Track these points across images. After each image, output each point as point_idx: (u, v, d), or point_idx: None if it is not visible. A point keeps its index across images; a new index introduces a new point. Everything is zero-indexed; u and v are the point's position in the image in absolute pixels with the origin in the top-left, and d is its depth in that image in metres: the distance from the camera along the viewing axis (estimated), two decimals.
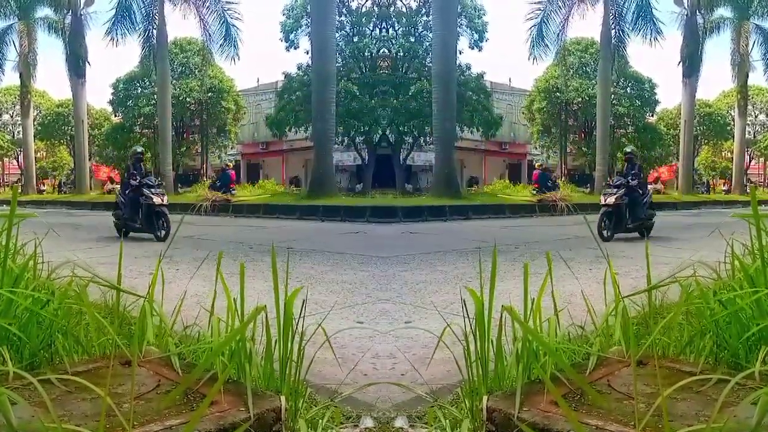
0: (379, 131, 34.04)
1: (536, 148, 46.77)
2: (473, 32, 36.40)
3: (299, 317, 2.85)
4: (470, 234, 13.91)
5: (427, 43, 33.21)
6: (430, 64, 29.96)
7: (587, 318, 3.36)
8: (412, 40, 34.53)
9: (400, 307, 5.59)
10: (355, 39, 34.41)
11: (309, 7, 30.93)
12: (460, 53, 34.23)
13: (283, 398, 2.37)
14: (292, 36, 36.39)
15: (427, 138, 33.52)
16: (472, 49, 36.90)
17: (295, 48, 36.69)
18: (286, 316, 2.70)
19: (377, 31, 34.42)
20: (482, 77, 37.00)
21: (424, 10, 34.34)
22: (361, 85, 33.10)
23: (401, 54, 34.27)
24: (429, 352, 4.00)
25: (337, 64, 30.28)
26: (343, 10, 34.23)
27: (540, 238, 12.94)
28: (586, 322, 3.42)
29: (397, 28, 34.58)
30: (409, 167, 39.40)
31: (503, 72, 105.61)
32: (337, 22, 30.72)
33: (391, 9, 34.40)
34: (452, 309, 5.37)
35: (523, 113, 45.20)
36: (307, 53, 34.12)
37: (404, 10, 34.77)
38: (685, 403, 2.15)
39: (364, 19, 34.46)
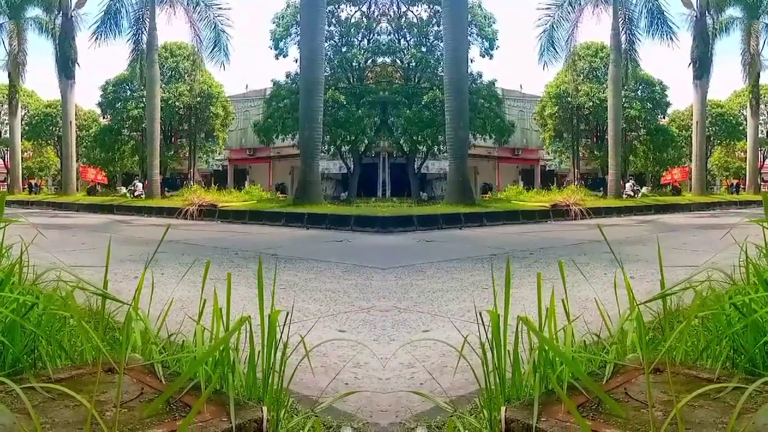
0: (365, 141, 34.41)
1: (549, 154, 46.69)
2: (484, 40, 36.51)
3: (284, 325, 2.87)
4: (485, 241, 13.90)
5: (439, 53, 33.34)
6: (442, 74, 30.00)
7: (603, 324, 3.37)
8: (424, 50, 34.69)
9: (417, 316, 5.61)
10: (344, 49, 34.70)
11: (299, 16, 31.10)
12: (472, 62, 34.40)
13: (265, 408, 2.38)
14: (281, 44, 36.69)
15: (441, 146, 33.56)
16: (483, 57, 37.06)
17: (285, 56, 37.10)
18: (270, 326, 2.72)
19: (365, 42, 34.91)
20: (494, 85, 37.06)
21: (434, 20, 34.49)
22: (349, 95, 33.32)
23: (413, 64, 34.44)
24: (446, 361, 4.02)
25: (326, 74, 30.44)
26: (333, 20, 34.55)
27: (554, 244, 12.92)
28: (601, 329, 3.43)
29: (408, 38, 34.81)
30: (423, 175, 39.48)
31: (514, 78, 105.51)
32: (326, 32, 30.90)
33: (403, 20, 34.65)
34: (469, 317, 5.38)
35: (534, 119, 45.11)
36: (296, 61, 34.44)
37: (415, 20, 34.98)
38: (703, 411, 2.16)
39: (352, 30, 34.71)
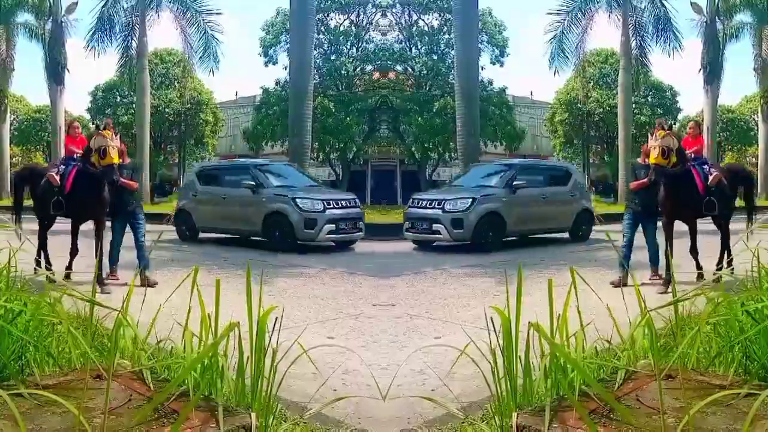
0: (354, 148, 34.32)
1: (559, 160, 46.64)
2: (494, 48, 36.47)
3: (273, 332, 2.87)
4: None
5: (450, 61, 33.35)
6: (453, 81, 30.00)
7: (614, 330, 3.35)
8: (435, 57, 34.74)
9: (428, 322, 5.60)
10: (333, 57, 34.74)
11: (288, 24, 31.08)
12: (482, 69, 34.32)
13: (254, 415, 2.38)
14: (271, 51, 36.52)
15: (452, 153, 33.56)
16: (494, 64, 36.94)
17: (274, 63, 36.87)
18: (259, 333, 2.72)
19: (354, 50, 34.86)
20: (504, 92, 36.95)
21: (445, 29, 34.54)
22: (337, 103, 33.33)
23: (424, 72, 34.47)
24: (456, 368, 4.01)
25: (315, 81, 30.34)
26: (322, 28, 34.48)
27: (564, 249, 12.89)
28: (612, 335, 3.41)
29: (419, 46, 34.87)
30: (434, 182, 39.54)
31: (525, 85, 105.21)
32: (315, 40, 30.85)
33: (413, 29, 34.75)
34: (480, 323, 5.37)
35: (545, 125, 45.02)
36: (286, 69, 34.30)
37: (426, 29, 35.04)
38: (715, 417, 2.15)
39: (341, 38, 34.78)
